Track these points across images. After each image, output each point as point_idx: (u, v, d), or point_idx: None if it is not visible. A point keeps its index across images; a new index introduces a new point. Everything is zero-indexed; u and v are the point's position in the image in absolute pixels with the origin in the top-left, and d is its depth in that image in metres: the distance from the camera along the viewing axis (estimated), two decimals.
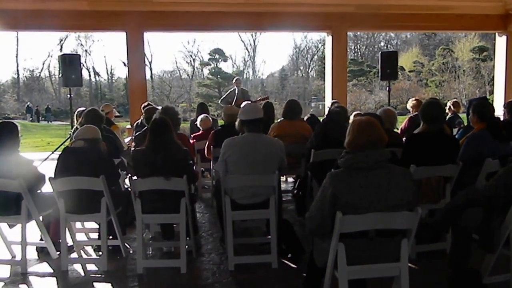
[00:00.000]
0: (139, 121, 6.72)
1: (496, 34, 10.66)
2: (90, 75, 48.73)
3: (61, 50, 44.29)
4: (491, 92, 17.87)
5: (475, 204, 3.04)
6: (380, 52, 10.22)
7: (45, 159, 8.22)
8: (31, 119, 36.34)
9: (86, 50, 47.23)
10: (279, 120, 5.53)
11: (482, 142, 3.95)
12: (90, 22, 9.08)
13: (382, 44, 51.74)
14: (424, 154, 3.66)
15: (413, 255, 3.61)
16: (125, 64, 34.59)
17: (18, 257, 3.90)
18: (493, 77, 15.40)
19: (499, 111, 6.56)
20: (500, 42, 10.49)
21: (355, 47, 51.24)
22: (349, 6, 9.52)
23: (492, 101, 10.51)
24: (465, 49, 38.10)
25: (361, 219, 2.48)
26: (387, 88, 10.90)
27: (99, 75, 50.89)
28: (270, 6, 9.23)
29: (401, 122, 6.95)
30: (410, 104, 7.13)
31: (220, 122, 7.54)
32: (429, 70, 39.72)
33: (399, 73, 13.26)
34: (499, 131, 4.00)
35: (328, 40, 10.15)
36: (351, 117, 5.87)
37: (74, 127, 6.32)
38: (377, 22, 9.95)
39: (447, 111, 7.17)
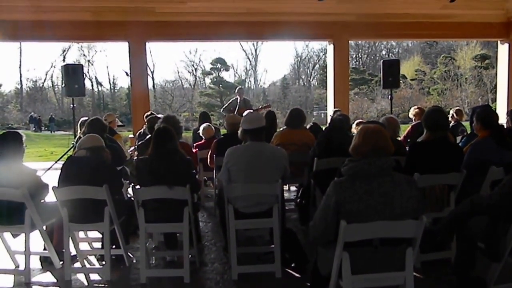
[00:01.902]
0: (142, 130, 6.75)
1: (498, 42, 10.67)
2: (92, 85, 49.04)
3: (64, 60, 44.57)
4: (494, 100, 17.87)
5: (480, 212, 3.01)
6: (382, 61, 10.24)
7: (49, 169, 8.23)
8: (34, 129, 36.48)
9: (88, 60, 47.61)
10: (282, 129, 5.52)
11: (486, 150, 3.91)
12: (93, 33, 9.14)
13: (383, 52, 52.00)
14: (427, 162, 3.63)
15: (417, 264, 3.58)
16: (127, 74, 34.87)
17: (22, 267, 3.89)
18: (495, 85, 15.42)
19: (502, 119, 6.54)
20: (502, 50, 10.50)
21: (357, 56, 51.44)
22: (350, 15, 9.55)
23: (495, 109, 10.44)
24: (467, 57, 38.23)
25: (365, 228, 2.47)
26: (389, 96, 10.89)
27: (101, 85, 51.19)
28: (271, 15, 9.27)
29: (404, 131, 6.95)
30: (412, 112, 7.13)
31: (223, 131, 7.55)
32: (431, 79, 39.80)
33: (401, 81, 13.25)
34: (503, 138, 3.96)
35: (330, 49, 10.17)
36: (354, 126, 5.88)
37: (77, 136, 6.33)
38: (378, 30, 9.97)
39: (450, 119, 7.15)
